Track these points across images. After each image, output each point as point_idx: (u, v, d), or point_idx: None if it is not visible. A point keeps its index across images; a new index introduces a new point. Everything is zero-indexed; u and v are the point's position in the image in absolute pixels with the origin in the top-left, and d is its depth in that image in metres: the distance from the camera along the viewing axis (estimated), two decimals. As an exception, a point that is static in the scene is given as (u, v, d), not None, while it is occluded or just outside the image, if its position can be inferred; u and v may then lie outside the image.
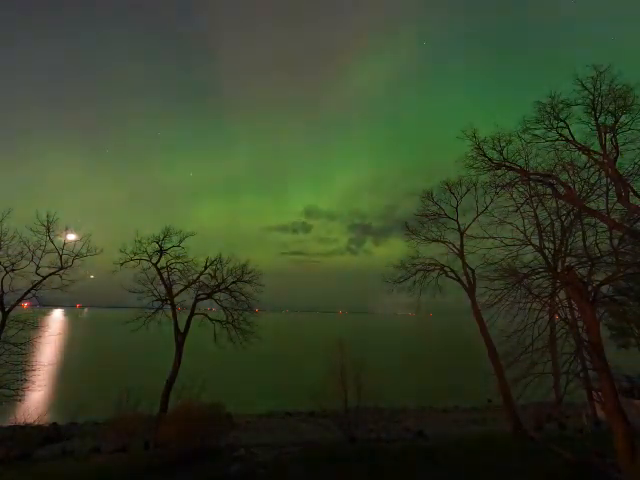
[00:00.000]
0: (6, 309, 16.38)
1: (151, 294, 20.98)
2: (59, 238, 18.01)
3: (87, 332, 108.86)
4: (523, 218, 16.01)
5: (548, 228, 15.73)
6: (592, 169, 13.10)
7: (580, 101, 12.53)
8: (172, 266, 21.79)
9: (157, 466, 13.10)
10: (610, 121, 12.21)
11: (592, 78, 12.12)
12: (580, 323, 12.51)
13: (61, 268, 17.94)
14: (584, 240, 13.61)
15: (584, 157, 13.13)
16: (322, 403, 18.10)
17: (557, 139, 13.26)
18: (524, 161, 14.44)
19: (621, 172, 11.83)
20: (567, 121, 12.93)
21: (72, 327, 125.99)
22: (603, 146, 12.22)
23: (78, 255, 18.44)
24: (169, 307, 21.02)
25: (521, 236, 15.83)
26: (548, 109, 13.02)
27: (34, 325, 16.69)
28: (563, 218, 15.30)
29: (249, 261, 22.65)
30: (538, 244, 15.35)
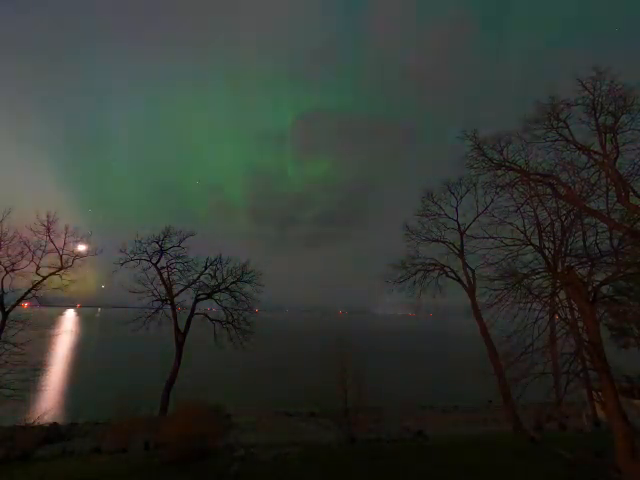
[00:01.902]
0: (6, 309, 16.37)
1: (151, 294, 20.98)
2: (59, 238, 18.03)
3: (94, 331, 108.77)
4: (523, 218, 15.99)
5: (548, 228, 15.71)
6: (592, 169, 13.07)
7: (580, 101, 12.53)
8: (172, 266, 21.80)
9: (157, 466, 13.09)
10: (610, 121, 12.20)
11: (592, 78, 12.12)
12: (580, 323, 12.50)
13: (61, 268, 17.95)
14: (584, 240, 13.59)
15: (584, 157, 13.10)
16: (322, 403, 18.09)
17: (557, 139, 13.24)
18: (524, 161, 14.42)
19: (621, 172, 11.82)
20: (567, 121, 12.92)
21: (82, 327, 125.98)
22: (603, 146, 12.21)
23: (78, 255, 18.47)
24: (169, 307, 21.02)
25: (521, 236, 15.81)
26: (548, 109, 13.02)
27: (34, 325, 16.67)
28: (563, 218, 15.28)
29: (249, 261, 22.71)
30: (538, 244, 15.33)
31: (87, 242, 18.81)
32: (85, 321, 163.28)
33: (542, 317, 12.33)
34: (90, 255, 19.02)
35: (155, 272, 21.35)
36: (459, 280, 22.44)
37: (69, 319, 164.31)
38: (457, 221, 23.04)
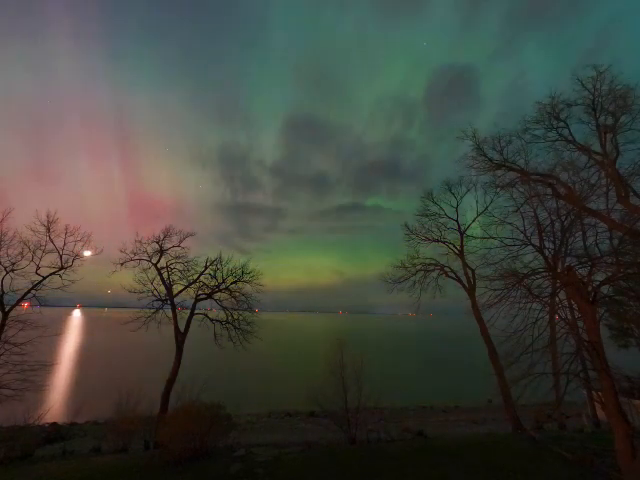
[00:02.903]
0: (6, 309, 16.38)
1: (151, 294, 20.98)
2: (59, 238, 18.03)
3: (95, 331, 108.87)
4: (523, 218, 16.04)
5: (548, 228, 15.75)
6: (592, 169, 13.10)
7: (580, 101, 12.56)
8: (172, 266, 21.79)
9: (157, 466, 13.10)
10: (610, 121, 12.23)
11: (592, 78, 12.15)
12: (580, 323, 12.51)
13: (61, 268, 17.95)
14: (584, 240, 13.62)
15: (584, 157, 13.13)
16: (322, 403, 18.10)
17: (557, 139, 13.28)
18: (524, 161, 14.45)
19: (621, 172, 11.83)
20: (567, 121, 12.96)
21: (83, 327, 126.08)
22: (603, 146, 12.22)
23: (78, 255, 18.47)
24: (169, 307, 21.02)
25: (521, 236, 15.86)
26: (548, 109, 13.06)
27: (35, 325, 16.66)
28: (563, 218, 15.31)
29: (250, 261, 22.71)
30: (538, 244, 15.36)
31: (87, 242, 18.79)
32: (88, 321, 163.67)
33: (542, 317, 12.34)
34: (90, 255, 19.07)
35: (155, 272, 21.36)
36: (459, 280, 22.46)
37: (72, 319, 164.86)
38: (457, 221, 23.09)
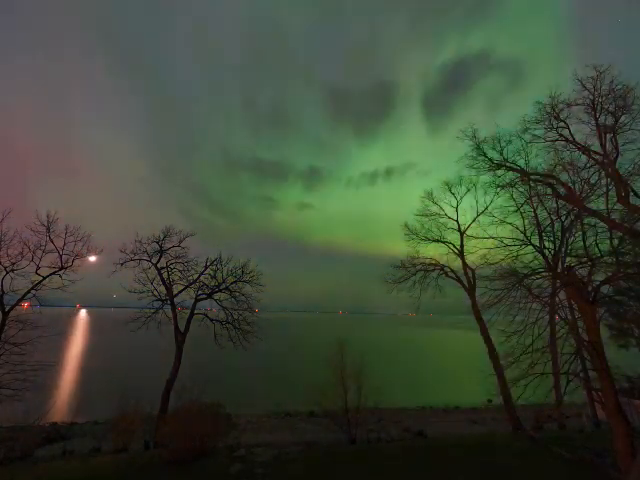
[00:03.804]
0: (6, 309, 16.37)
1: (151, 294, 20.97)
2: (59, 238, 18.02)
3: (95, 332, 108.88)
4: (523, 218, 16.05)
5: (548, 228, 15.75)
6: (592, 169, 13.12)
7: (580, 101, 12.57)
8: (172, 266, 21.79)
9: (157, 466, 13.11)
10: (610, 121, 12.23)
11: (592, 78, 12.16)
12: (580, 323, 12.52)
13: (61, 268, 17.94)
14: (584, 240, 13.63)
15: (584, 157, 13.15)
16: (322, 403, 18.09)
17: (557, 139, 13.30)
18: (524, 161, 14.48)
19: (621, 172, 11.83)
20: (567, 121, 12.98)
21: (82, 327, 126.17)
22: (603, 146, 12.23)
23: (78, 255, 18.45)
24: (169, 307, 21.02)
25: (521, 236, 15.87)
26: (548, 109, 13.07)
27: (36, 325, 16.66)
28: (563, 218, 15.32)
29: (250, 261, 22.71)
30: (538, 244, 15.37)
31: (87, 242, 18.77)
32: (89, 322, 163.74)
33: (542, 317, 12.36)
34: (90, 255, 19.06)
35: (155, 272, 21.36)
36: (459, 280, 22.45)
37: (72, 320, 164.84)
38: (457, 221, 23.09)
